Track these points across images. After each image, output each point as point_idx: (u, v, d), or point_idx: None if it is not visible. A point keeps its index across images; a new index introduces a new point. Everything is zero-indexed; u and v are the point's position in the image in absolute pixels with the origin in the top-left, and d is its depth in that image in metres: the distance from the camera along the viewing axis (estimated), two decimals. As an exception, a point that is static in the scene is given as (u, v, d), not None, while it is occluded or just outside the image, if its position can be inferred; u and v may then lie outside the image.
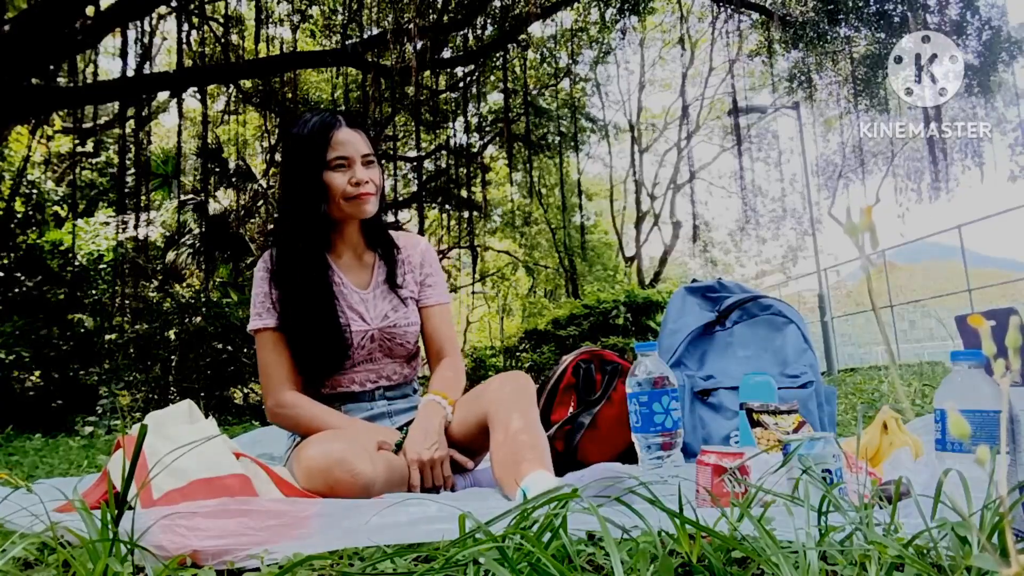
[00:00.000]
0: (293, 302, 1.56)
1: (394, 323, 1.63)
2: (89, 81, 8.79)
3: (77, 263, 8.20)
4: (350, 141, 1.55)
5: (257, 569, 0.78)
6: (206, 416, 1.38)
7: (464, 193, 13.24)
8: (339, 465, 1.29)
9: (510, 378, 1.46)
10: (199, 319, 6.51)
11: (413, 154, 12.97)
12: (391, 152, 12.12)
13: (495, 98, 13.76)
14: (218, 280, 10.53)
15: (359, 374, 1.62)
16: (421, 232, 11.97)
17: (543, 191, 16.64)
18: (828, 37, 10.54)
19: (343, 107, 11.55)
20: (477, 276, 17.24)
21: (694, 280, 2.07)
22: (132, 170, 9.46)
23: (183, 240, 11.10)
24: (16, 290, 7.42)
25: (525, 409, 1.38)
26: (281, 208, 1.62)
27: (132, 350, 6.71)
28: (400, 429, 1.60)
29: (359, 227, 1.65)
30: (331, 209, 1.56)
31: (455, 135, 13.30)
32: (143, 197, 9.57)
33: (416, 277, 1.70)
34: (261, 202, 12.02)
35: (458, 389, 1.61)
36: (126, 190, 9.37)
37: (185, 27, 9.70)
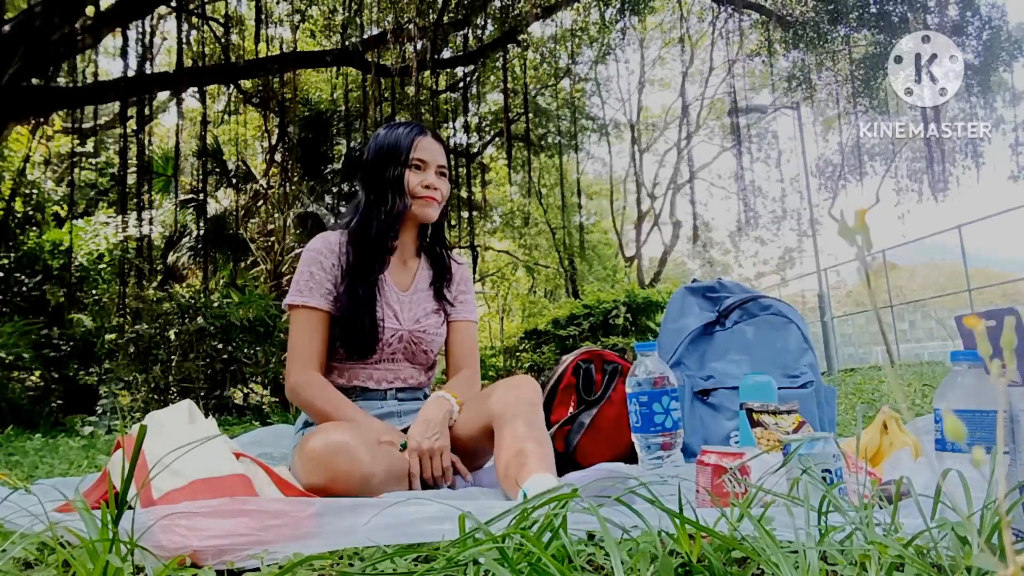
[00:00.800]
0: (351, 287, 1.62)
1: (424, 329, 1.69)
2: (89, 81, 8.80)
3: (77, 263, 8.20)
4: (432, 149, 1.69)
5: (257, 569, 0.78)
6: (206, 416, 1.38)
7: (464, 193, 13.24)
8: (340, 454, 1.31)
9: (518, 382, 1.48)
10: (200, 320, 6.51)
11: (413, 154, 12.94)
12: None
13: (495, 98, 13.76)
14: (221, 281, 10.53)
15: (378, 371, 1.66)
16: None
17: (543, 191, 16.64)
18: (828, 37, 10.54)
19: (343, 107, 11.56)
20: (477, 276, 17.23)
21: (694, 280, 2.07)
22: (133, 170, 9.46)
23: (183, 240, 11.10)
24: (16, 290, 7.42)
25: (530, 414, 1.39)
26: (362, 202, 1.70)
27: (132, 350, 6.70)
28: (406, 431, 1.61)
29: (416, 232, 1.75)
30: (404, 207, 1.66)
31: (455, 135, 13.30)
32: (144, 197, 9.57)
33: (452, 293, 1.78)
34: (261, 202, 12.02)
35: (468, 394, 1.63)
36: (126, 190, 9.38)
37: (185, 27, 9.70)
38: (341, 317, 1.61)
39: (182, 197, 11.22)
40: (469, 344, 1.77)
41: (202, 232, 10.39)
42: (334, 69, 11.06)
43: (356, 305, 1.61)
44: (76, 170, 10.33)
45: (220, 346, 6.64)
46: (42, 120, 8.99)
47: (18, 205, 8.51)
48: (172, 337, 6.61)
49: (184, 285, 10.67)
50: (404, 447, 1.47)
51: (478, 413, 1.49)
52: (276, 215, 11.39)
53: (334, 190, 11.71)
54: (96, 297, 8.15)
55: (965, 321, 0.44)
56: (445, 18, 9.88)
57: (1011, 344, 0.37)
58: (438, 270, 1.77)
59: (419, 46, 9.38)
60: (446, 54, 11.18)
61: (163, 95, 11.15)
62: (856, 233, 0.41)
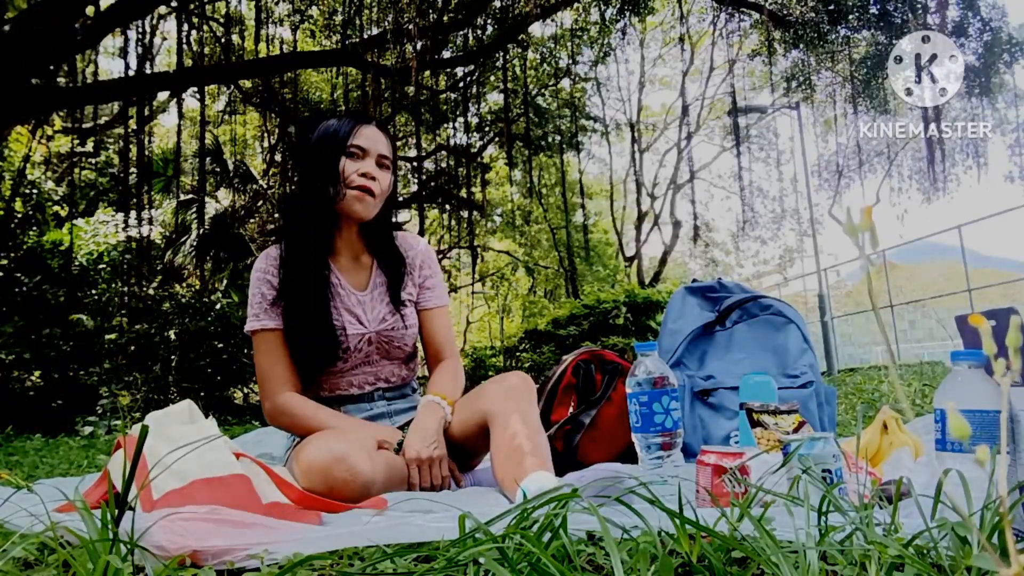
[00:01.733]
0: (291, 297, 1.55)
1: (392, 326, 1.62)
2: (89, 81, 8.80)
3: (77, 263, 8.20)
4: (372, 137, 1.58)
5: (257, 569, 0.78)
6: (206, 416, 1.38)
7: (464, 193, 13.24)
8: (338, 464, 1.29)
9: (510, 378, 1.46)
10: (200, 320, 6.51)
11: (413, 154, 12.98)
12: (391, 152, 12.10)
13: (495, 98, 13.76)
14: (222, 281, 10.53)
15: (357, 376, 1.62)
16: (421, 232, 11.97)
17: (543, 191, 16.64)
18: (828, 38, 10.54)
19: (343, 107, 11.55)
20: (477, 276, 17.24)
21: (694, 280, 2.07)
22: (133, 170, 9.46)
23: (183, 240, 11.10)
24: (16, 290, 7.41)
25: (525, 409, 1.38)
26: (294, 199, 1.61)
27: (132, 350, 6.70)
28: (401, 429, 1.60)
29: (358, 229, 1.63)
30: (337, 200, 1.55)
31: (455, 135, 13.30)
32: (144, 197, 9.57)
33: (415, 279, 1.69)
34: (261, 202, 12.02)
35: (457, 390, 1.60)
36: (126, 190, 9.38)
37: (185, 27, 9.70)
38: (293, 330, 1.54)
39: (182, 197, 11.23)
40: (444, 331, 1.70)
41: (202, 232, 10.39)
42: (334, 69, 11.06)
43: (305, 314, 1.53)
44: (76, 170, 10.33)
45: (220, 346, 6.64)
46: (42, 120, 8.98)
47: (18, 205, 8.51)
48: (172, 337, 6.61)
49: (184, 285, 10.67)
50: (399, 448, 1.46)
51: (472, 412, 1.48)
52: (276, 215, 11.39)
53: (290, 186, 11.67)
54: (96, 297, 8.15)
55: (970, 319, 0.44)
56: (445, 18, 9.88)
57: (1016, 343, 0.37)
58: (392, 265, 1.65)
59: (419, 46, 9.37)
60: (446, 54, 11.18)
61: (163, 95, 11.14)
62: (861, 231, 0.41)
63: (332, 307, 1.58)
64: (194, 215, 11.06)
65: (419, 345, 1.75)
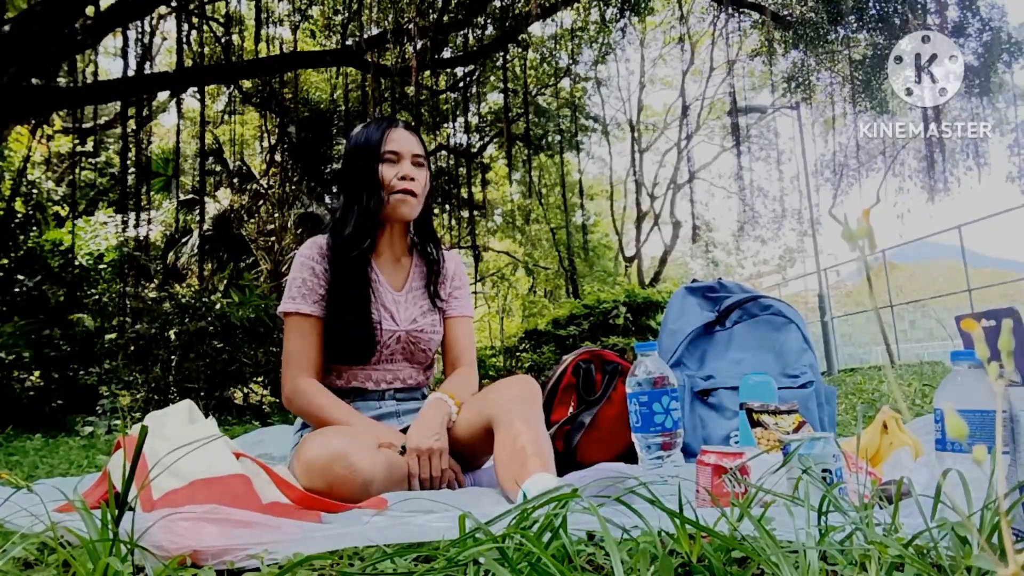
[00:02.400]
0: (335, 291, 1.60)
1: (421, 328, 1.67)
2: (89, 81, 8.79)
3: (77, 263, 8.20)
4: (404, 139, 1.64)
5: (257, 569, 0.78)
6: (206, 416, 1.38)
7: (464, 193, 13.24)
8: (338, 461, 1.30)
9: (516, 382, 1.47)
10: (200, 320, 6.51)
11: (413, 154, 12.94)
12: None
13: (495, 98, 13.76)
14: (223, 281, 10.53)
15: (376, 372, 1.65)
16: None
17: (543, 191, 16.64)
18: (828, 38, 10.54)
19: (343, 107, 11.55)
20: (477, 276, 17.24)
21: (694, 280, 2.07)
22: (132, 170, 9.46)
23: (183, 240, 11.10)
24: (16, 290, 7.42)
25: (530, 413, 1.39)
26: (341, 203, 1.68)
27: (132, 350, 6.70)
28: (405, 431, 1.60)
29: (403, 230, 1.71)
30: (381, 205, 1.62)
31: (455, 135, 13.30)
32: (144, 197, 9.57)
33: (447, 288, 1.75)
34: (261, 202, 12.02)
35: (466, 393, 1.62)
36: (126, 190, 9.38)
37: (185, 27, 9.70)
38: (334, 325, 1.59)
39: (182, 197, 11.23)
40: (465, 340, 1.75)
41: (202, 232, 10.39)
42: (334, 69, 11.06)
43: (347, 310, 1.59)
44: (76, 170, 10.33)
45: (220, 346, 6.64)
46: (42, 120, 8.98)
47: (18, 205, 8.50)
48: (172, 337, 6.61)
49: (184, 285, 10.67)
50: (404, 451, 1.47)
51: (477, 413, 1.48)
52: (276, 215, 11.39)
53: (334, 190, 11.71)
54: (96, 297, 8.15)
55: (963, 324, 0.44)
56: (445, 18, 9.88)
57: (1008, 347, 0.37)
58: (429, 267, 1.73)
59: (419, 46, 9.37)
60: (446, 54, 11.17)
61: (163, 95, 11.14)
62: (860, 236, 0.41)
63: (372, 301, 1.63)
64: (194, 215, 11.06)
65: (437, 356, 1.79)
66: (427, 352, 1.70)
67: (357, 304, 1.60)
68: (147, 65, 9.69)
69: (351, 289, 1.60)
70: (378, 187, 1.60)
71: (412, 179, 1.62)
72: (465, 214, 13.71)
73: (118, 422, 5.94)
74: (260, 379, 7.07)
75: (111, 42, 10.81)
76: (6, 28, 6.45)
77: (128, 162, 9.24)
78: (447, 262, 1.77)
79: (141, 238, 9.03)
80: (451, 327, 1.74)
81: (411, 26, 8.78)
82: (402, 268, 1.72)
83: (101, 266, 8.37)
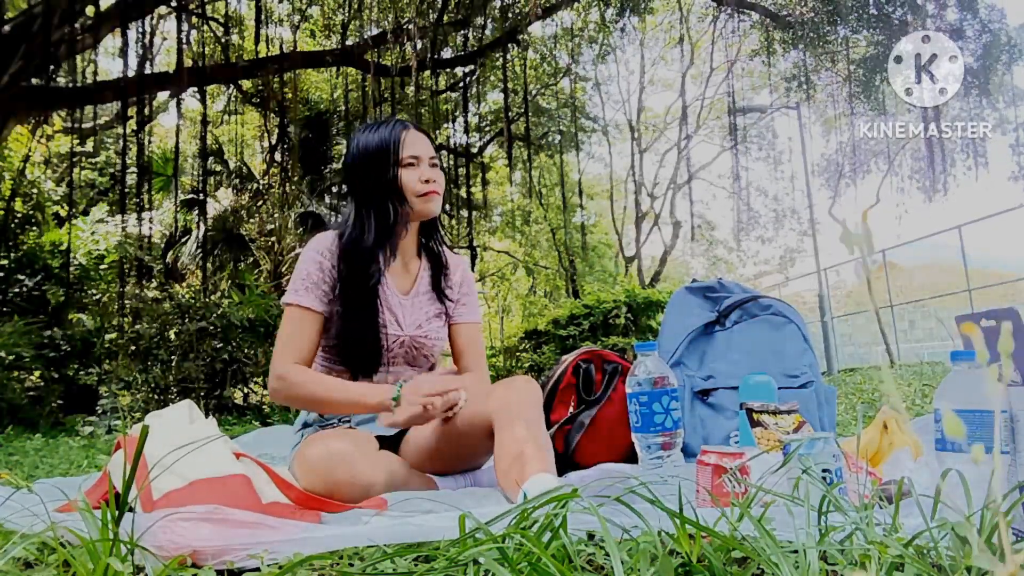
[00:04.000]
0: (345, 302, 1.57)
1: (425, 333, 1.66)
2: (89, 81, 8.79)
3: (77, 263, 8.20)
4: (421, 141, 1.63)
5: (257, 569, 0.78)
6: (206, 416, 1.38)
7: (464, 193, 13.24)
8: (340, 466, 1.29)
9: (516, 382, 1.46)
10: (200, 320, 6.51)
11: (413, 154, 12.94)
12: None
13: (495, 98, 13.76)
14: (225, 280, 10.53)
15: (378, 375, 1.63)
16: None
17: (543, 191, 16.64)
18: (828, 38, 10.54)
19: (343, 107, 11.56)
20: (477, 276, 17.24)
21: (694, 280, 2.07)
22: (133, 170, 9.47)
23: (183, 240, 11.11)
24: (16, 290, 7.42)
25: (530, 413, 1.38)
26: (353, 210, 1.63)
27: (132, 350, 6.70)
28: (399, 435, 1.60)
29: (417, 231, 1.70)
30: (402, 207, 1.60)
31: (455, 135, 13.30)
32: (144, 197, 9.57)
33: (454, 295, 1.74)
34: (261, 202, 12.02)
35: (473, 391, 1.60)
36: (126, 190, 9.38)
37: (185, 27, 9.70)
38: (343, 336, 1.57)
39: (182, 197, 11.23)
40: (475, 347, 1.74)
41: (203, 232, 10.39)
42: (334, 69, 11.06)
43: (357, 325, 1.56)
44: (76, 170, 10.33)
45: (220, 346, 6.64)
46: (42, 120, 8.98)
47: (18, 205, 8.51)
48: (172, 337, 6.61)
49: (184, 285, 10.67)
50: (397, 399, 1.43)
51: (478, 413, 1.47)
52: (276, 215, 11.40)
53: (334, 190, 11.72)
54: (96, 297, 8.15)
55: (962, 328, 0.44)
56: (445, 18, 9.88)
57: (1008, 350, 0.37)
58: (436, 267, 1.72)
59: (419, 46, 9.37)
60: (446, 54, 11.18)
61: (163, 95, 11.15)
62: (859, 237, 0.41)
63: (379, 307, 1.60)
64: (194, 216, 11.06)
65: (438, 360, 1.77)
66: (429, 357, 1.69)
67: (367, 320, 1.58)
68: (147, 65, 9.68)
69: (362, 302, 1.58)
70: (400, 194, 1.59)
71: (434, 181, 1.61)
72: (465, 214, 13.71)
73: (118, 422, 5.94)
74: (260, 379, 7.06)
75: (111, 42, 10.81)
76: (6, 28, 6.44)
77: (128, 162, 9.24)
78: (455, 268, 1.76)
79: (142, 238, 9.03)
80: (459, 334, 1.73)
81: (411, 26, 8.78)
82: (410, 272, 1.70)
83: (101, 266, 8.37)
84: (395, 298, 1.65)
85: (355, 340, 1.57)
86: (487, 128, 14.04)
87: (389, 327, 1.61)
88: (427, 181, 1.60)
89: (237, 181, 11.97)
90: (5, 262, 7.61)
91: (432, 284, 1.71)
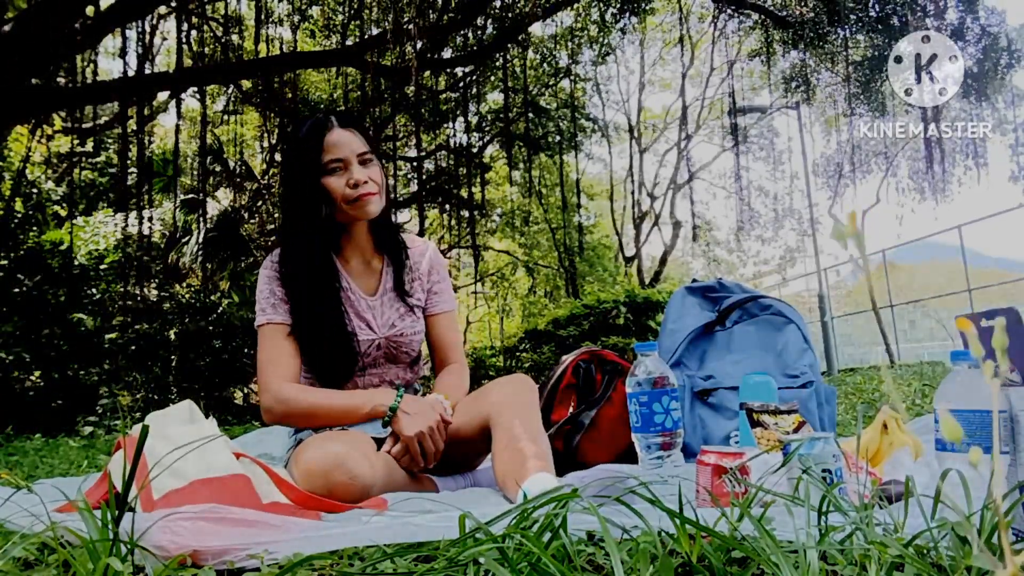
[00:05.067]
0: (301, 308, 1.53)
1: (401, 332, 1.62)
2: (89, 81, 8.79)
3: (77, 263, 8.20)
4: (343, 142, 1.51)
5: (257, 569, 0.78)
6: (206, 416, 1.38)
7: (464, 193, 13.24)
8: (338, 468, 1.28)
9: (512, 381, 1.46)
10: (200, 320, 6.52)
11: (413, 154, 12.97)
12: (391, 152, 12.12)
13: (495, 98, 13.76)
14: (226, 281, 10.53)
15: (363, 379, 1.62)
16: (421, 232, 11.96)
17: (543, 191, 16.64)
18: (828, 39, 10.55)
19: (343, 107, 11.54)
20: (477, 276, 17.24)
21: (694, 280, 2.07)
22: (132, 170, 9.47)
23: (185, 240, 11.11)
24: (16, 290, 7.42)
25: (527, 412, 1.38)
26: (284, 213, 1.59)
27: (133, 350, 6.70)
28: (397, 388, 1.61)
29: (368, 229, 1.62)
30: (335, 213, 1.54)
31: (455, 135, 13.30)
32: (144, 197, 9.57)
33: (424, 284, 1.68)
34: (261, 202, 12.02)
35: (460, 392, 1.60)
36: (126, 190, 9.38)
37: (185, 27, 9.70)
38: (310, 344, 1.53)
39: (182, 197, 11.23)
40: (452, 336, 1.70)
41: (203, 232, 10.39)
42: (334, 69, 11.06)
43: (319, 328, 1.52)
44: (76, 170, 10.33)
45: (220, 346, 6.64)
46: (42, 120, 8.98)
47: (18, 205, 8.51)
48: (172, 337, 6.61)
49: (184, 285, 10.67)
50: (387, 422, 1.45)
51: (474, 413, 1.47)
52: (276, 215, 11.39)
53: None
54: (96, 297, 8.15)
55: (957, 324, 0.44)
56: (445, 18, 9.88)
57: (1002, 345, 0.37)
58: (397, 263, 1.65)
59: (419, 46, 9.37)
60: (446, 54, 11.17)
61: (163, 95, 11.14)
62: (849, 237, 0.41)
63: (344, 314, 1.56)
64: (195, 215, 11.06)
65: (423, 348, 1.76)
66: (410, 353, 1.66)
67: (328, 321, 1.53)
68: (147, 65, 9.68)
69: (317, 306, 1.53)
70: (328, 200, 1.50)
71: (365, 181, 1.50)
72: (465, 214, 13.71)
73: (118, 422, 5.95)
74: (260, 379, 7.06)
75: (111, 42, 10.81)
76: (6, 28, 6.44)
77: (128, 162, 9.24)
78: (420, 256, 1.69)
79: (142, 238, 9.03)
80: (435, 324, 1.68)
81: (411, 26, 8.77)
82: (373, 271, 1.65)
83: (101, 266, 8.37)
84: (362, 301, 1.61)
85: (322, 348, 1.53)
86: (487, 128, 14.04)
87: (361, 334, 1.57)
88: (356, 184, 1.50)
89: (237, 181, 11.97)
90: (5, 262, 7.61)
91: (394, 284, 1.64)
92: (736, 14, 11.24)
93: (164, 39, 12.31)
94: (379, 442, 1.52)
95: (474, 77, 12.08)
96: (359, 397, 1.49)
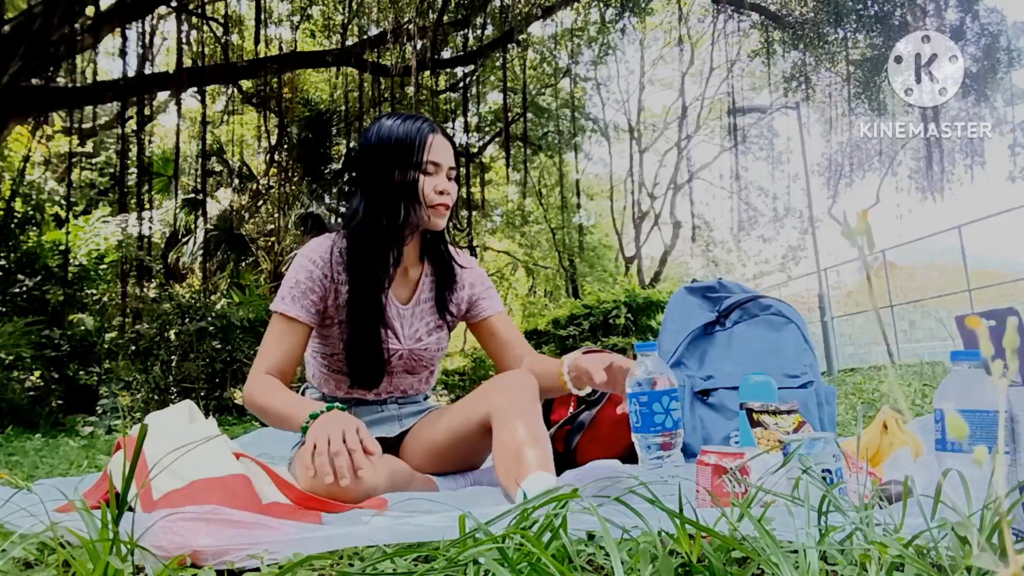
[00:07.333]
0: (350, 312, 1.51)
1: (425, 346, 1.61)
2: (89, 81, 8.79)
3: (77, 263, 8.20)
4: (445, 148, 1.52)
5: (257, 569, 0.78)
6: (206, 416, 1.38)
7: (464, 193, 13.24)
8: (340, 469, 1.28)
9: (513, 378, 1.44)
10: (200, 320, 6.52)
11: (413, 154, 12.94)
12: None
13: (495, 98, 13.77)
14: (226, 281, 10.53)
15: (379, 386, 1.62)
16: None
17: (543, 191, 16.64)
18: (828, 38, 10.55)
19: (343, 107, 11.55)
20: (477, 276, 17.23)
21: (694, 280, 2.07)
22: (132, 170, 9.47)
23: (186, 240, 11.11)
24: (16, 290, 7.42)
25: (528, 410, 1.37)
26: (365, 206, 1.52)
27: (132, 350, 6.70)
28: (406, 434, 1.60)
29: (420, 239, 1.60)
30: (411, 216, 1.51)
31: (455, 135, 13.30)
32: (144, 197, 9.58)
33: (465, 298, 1.67)
34: (261, 202, 12.02)
35: (554, 365, 1.51)
36: (126, 190, 9.38)
37: (185, 27, 9.70)
38: (346, 350, 1.52)
39: (182, 197, 11.23)
40: (515, 331, 1.68)
41: (203, 232, 10.40)
42: (334, 69, 11.06)
43: (361, 333, 1.50)
44: (76, 170, 10.33)
45: (220, 346, 6.64)
46: (42, 120, 8.99)
47: (18, 205, 8.51)
48: (172, 337, 6.61)
49: (184, 285, 10.68)
50: (305, 428, 1.34)
51: (475, 411, 1.46)
52: (276, 215, 11.40)
53: (334, 190, 11.71)
54: (96, 297, 8.15)
55: (967, 321, 0.44)
56: (445, 18, 9.88)
57: (1014, 345, 0.37)
58: (442, 276, 1.63)
59: (419, 46, 9.37)
60: (446, 54, 11.18)
61: (163, 95, 11.14)
62: (858, 234, 0.41)
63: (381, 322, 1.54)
64: (194, 216, 11.06)
65: (436, 363, 1.73)
66: (428, 366, 1.65)
67: (372, 332, 1.51)
68: (147, 65, 9.68)
69: (368, 312, 1.50)
70: (418, 200, 1.48)
71: (448, 194, 1.51)
72: (465, 214, 13.71)
73: (118, 422, 5.95)
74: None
75: (111, 42, 10.81)
76: (6, 28, 6.44)
77: (128, 162, 9.24)
78: (468, 271, 1.68)
79: (141, 238, 9.03)
80: (492, 325, 1.66)
81: (411, 26, 8.77)
82: (410, 280, 1.62)
83: (101, 266, 8.37)
84: (394, 308, 1.59)
85: (359, 353, 1.52)
86: (487, 128, 14.04)
87: (389, 341, 1.56)
88: (442, 192, 1.50)
89: (237, 181, 11.97)
90: (5, 262, 7.61)
91: (436, 294, 1.63)
92: (735, 14, 11.24)
93: (164, 39, 12.32)
94: (382, 443, 1.52)
95: (474, 77, 12.09)
96: (297, 408, 1.41)
